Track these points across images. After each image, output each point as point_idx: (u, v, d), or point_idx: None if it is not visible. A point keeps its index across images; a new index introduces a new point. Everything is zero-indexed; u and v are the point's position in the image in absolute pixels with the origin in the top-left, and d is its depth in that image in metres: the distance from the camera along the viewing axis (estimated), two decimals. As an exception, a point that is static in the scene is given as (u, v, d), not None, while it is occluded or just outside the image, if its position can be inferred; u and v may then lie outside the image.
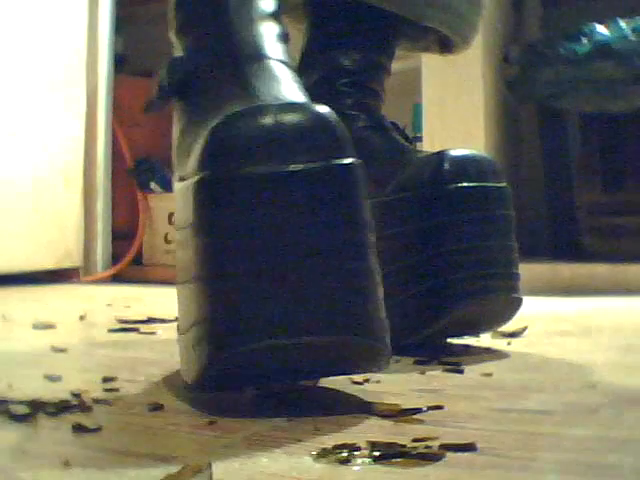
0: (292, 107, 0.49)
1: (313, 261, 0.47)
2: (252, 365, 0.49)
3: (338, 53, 0.81)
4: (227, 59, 0.57)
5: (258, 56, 0.57)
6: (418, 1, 0.78)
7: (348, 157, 0.48)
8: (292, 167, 0.47)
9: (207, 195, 0.48)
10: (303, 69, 0.84)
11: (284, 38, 0.60)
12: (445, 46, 0.86)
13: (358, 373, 0.55)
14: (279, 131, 0.48)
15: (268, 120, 0.48)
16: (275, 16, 0.60)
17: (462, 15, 0.81)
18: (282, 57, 0.58)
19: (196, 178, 0.48)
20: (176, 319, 0.58)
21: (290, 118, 0.48)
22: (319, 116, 0.49)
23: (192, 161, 0.51)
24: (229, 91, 0.55)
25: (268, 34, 0.59)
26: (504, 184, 0.71)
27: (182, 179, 0.54)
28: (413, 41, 0.87)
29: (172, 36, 0.63)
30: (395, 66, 0.88)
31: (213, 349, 0.47)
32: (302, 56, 0.85)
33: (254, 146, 0.47)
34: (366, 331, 0.48)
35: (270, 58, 0.57)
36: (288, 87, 0.55)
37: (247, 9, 0.59)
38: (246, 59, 0.57)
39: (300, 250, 0.47)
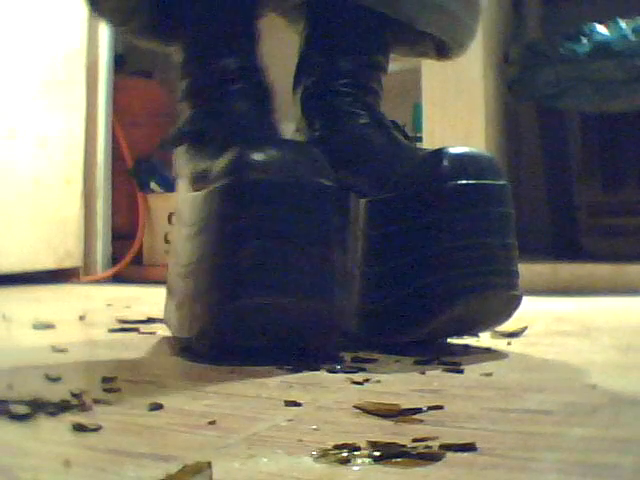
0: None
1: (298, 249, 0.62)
2: (251, 319, 0.62)
3: (336, 54, 0.81)
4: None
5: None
6: (413, 4, 0.78)
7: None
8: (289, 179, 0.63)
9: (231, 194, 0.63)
10: (301, 70, 0.84)
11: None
12: (442, 52, 0.86)
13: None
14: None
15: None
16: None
17: (459, 19, 0.80)
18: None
19: (223, 183, 0.63)
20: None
21: (274, 151, 0.64)
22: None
23: (214, 174, 0.65)
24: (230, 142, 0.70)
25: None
26: (503, 181, 0.71)
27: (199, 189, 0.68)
28: (410, 46, 0.87)
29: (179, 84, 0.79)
30: (395, 66, 0.87)
31: (224, 297, 0.61)
32: (300, 57, 0.85)
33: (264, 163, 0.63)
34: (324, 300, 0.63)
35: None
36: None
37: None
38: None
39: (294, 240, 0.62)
